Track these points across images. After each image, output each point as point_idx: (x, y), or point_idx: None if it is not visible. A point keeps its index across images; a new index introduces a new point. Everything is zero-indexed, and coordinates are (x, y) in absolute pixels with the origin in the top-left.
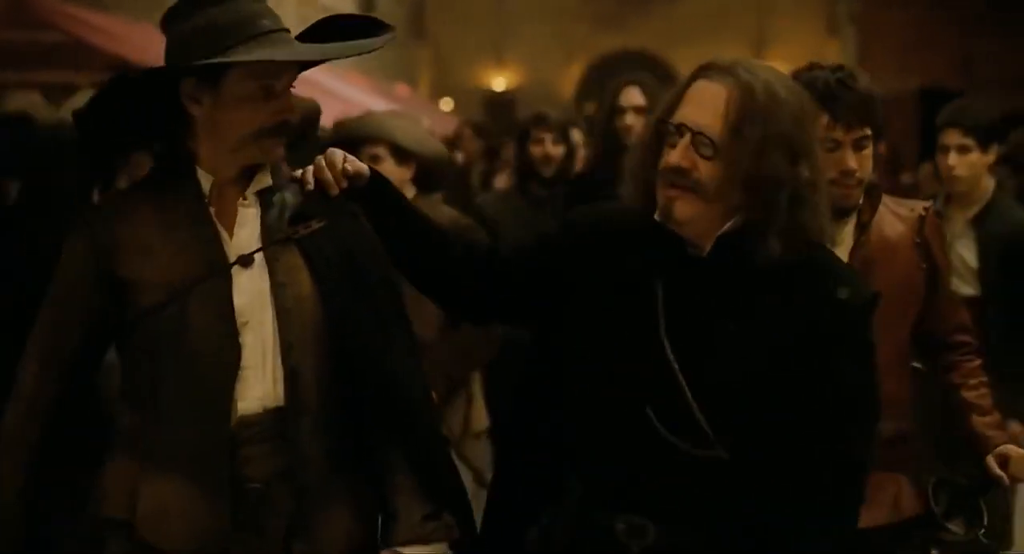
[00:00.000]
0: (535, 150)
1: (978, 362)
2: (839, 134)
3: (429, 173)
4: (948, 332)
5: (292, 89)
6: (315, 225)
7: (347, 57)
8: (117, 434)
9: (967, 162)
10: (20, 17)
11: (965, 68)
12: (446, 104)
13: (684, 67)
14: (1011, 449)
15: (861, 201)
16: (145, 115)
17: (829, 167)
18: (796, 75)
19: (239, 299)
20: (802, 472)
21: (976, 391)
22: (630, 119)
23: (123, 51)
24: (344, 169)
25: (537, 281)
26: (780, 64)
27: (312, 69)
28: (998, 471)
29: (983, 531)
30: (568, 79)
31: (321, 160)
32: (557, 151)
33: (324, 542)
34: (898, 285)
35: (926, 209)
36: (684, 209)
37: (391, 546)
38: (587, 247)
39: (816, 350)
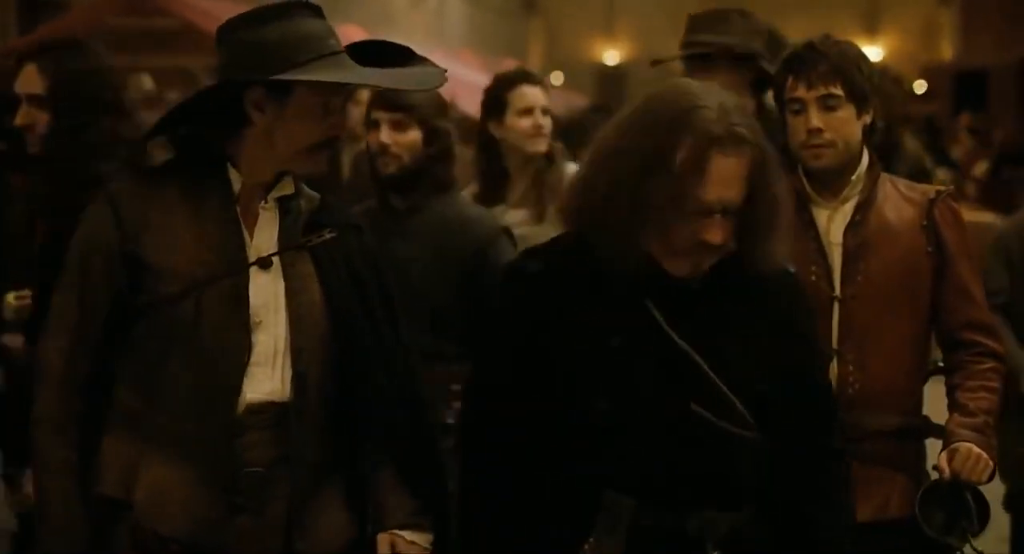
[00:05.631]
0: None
1: (989, 365)
2: (801, 92)
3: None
4: (957, 328)
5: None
6: (327, 235)
7: (417, 90)
8: (114, 413)
9: None
10: (135, 4)
11: None
12: (556, 78)
13: (797, 38)
14: (962, 445)
15: (862, 173)
16: (197, 108)
17: (798, 130)
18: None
19: (255, 299)
20: (812, 435)
21: (972, 393)
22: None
23: None
24: None
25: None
26: (892, 33)
27: (425, 48)
28: (943, 465)
29: (968, 536)
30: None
31: None
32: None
33: (321, 534)
34: (898, 270)
35: (938, 192)
36: None
37: (385, 531)
38: (550, 309)
39: (791, 325)
